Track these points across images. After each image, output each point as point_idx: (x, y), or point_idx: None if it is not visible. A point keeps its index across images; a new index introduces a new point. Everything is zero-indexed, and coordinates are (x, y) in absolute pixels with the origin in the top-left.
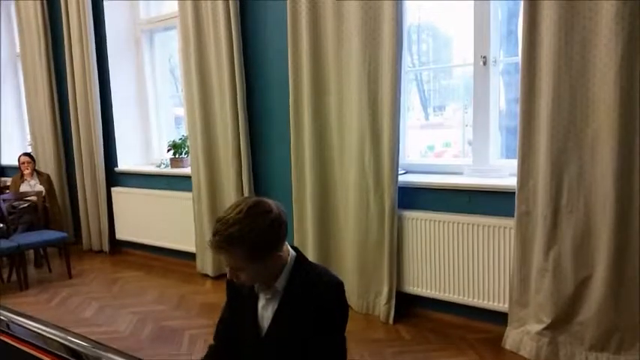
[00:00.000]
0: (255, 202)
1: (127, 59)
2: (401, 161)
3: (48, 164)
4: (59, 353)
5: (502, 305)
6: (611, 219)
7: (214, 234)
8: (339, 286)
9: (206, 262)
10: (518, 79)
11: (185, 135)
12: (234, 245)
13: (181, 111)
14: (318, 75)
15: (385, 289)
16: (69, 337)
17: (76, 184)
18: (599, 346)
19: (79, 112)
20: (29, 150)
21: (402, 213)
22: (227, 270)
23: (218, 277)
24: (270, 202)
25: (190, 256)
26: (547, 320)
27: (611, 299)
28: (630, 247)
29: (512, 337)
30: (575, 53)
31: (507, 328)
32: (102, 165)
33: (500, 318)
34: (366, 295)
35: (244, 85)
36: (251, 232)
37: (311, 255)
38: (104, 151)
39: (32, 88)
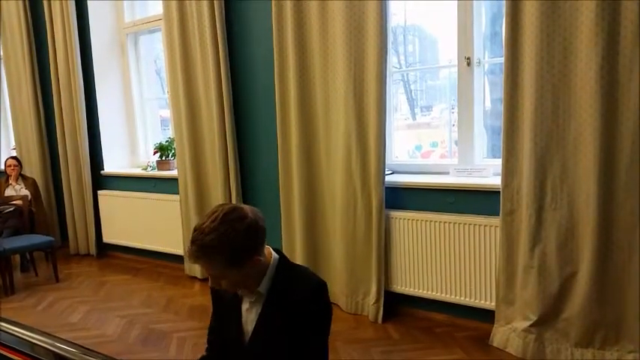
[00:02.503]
0: (231, 209)
1: (112, 62)
2: (388, 161)
3: (33, 168)
4: None
5: (489, 303)
6: (594, 216)
7: (191, 243)
8: (322, 287)
9: (194, 265)
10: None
11: (171, 137)
12: (211, 254)
13: (167, 113)
14: (304, 76)
15: (373, 289)
16: (56, 343)
17: (62, 188)
18: (585, 342)
19: (64, 115)
20: (14, 155)
21: (389, 213)
22: (208, 277)
23: (206, 279)
24: (247, 207)
25: (178, 259)
26: (533, 317)
27: (595, 295)
28: (614, 244)
29: (499, 335)
30: (557, 53)
31: (494, 325)
32: (88, 168)
33: (487, 316)
34: (354, 295)
35: (230, 86)
36: (227, 240)
37: (299, 256)
38: (90, 154)
39: (16, 91)
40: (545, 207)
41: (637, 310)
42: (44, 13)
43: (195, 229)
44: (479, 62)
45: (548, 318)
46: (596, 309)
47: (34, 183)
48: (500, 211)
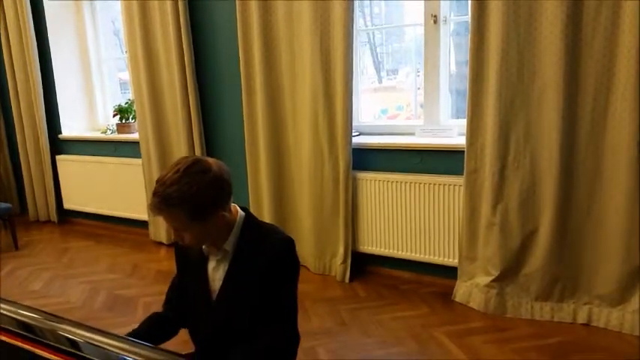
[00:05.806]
0: (194, 161)
1: (67, 21)
2: (355, 123)
3: None
4: (10, 328)
5: (452, 260)
6: (555, 175)
7: (153, 195)
8: (289, 242)
9: (159, 230)
10: (468, 39)
11: (131, 99)
12: (172, 206)
13: (126, 76)
14: (268, 36)
15: (341, 250)
16: (19, 311)
17: (19, 154)
18: (544, 296)
19: (17, 79)
20: None
21: (356, 174)
22: (172, 232)
23: (172, 244)
24: (211, 160)
25: (142, 224)
26: (495, 273)
27: (555, 251)
28: (573, 202)
29: (462, 290)
30: (523, 12)
31: (457, 281)
32: (45, 133)
33: (450, 272)
34: (322, 256)
35: (192, 44)
36: (189, 192)
37: (267, 218)
38: (47, 118)
39: None
40: (508, 165)
41: (592, 265)
42: None
43: (157, 181)
44: (445, 20)
45: (509, 273)
46: (555, 264)
47: None
48: (465, 170)
